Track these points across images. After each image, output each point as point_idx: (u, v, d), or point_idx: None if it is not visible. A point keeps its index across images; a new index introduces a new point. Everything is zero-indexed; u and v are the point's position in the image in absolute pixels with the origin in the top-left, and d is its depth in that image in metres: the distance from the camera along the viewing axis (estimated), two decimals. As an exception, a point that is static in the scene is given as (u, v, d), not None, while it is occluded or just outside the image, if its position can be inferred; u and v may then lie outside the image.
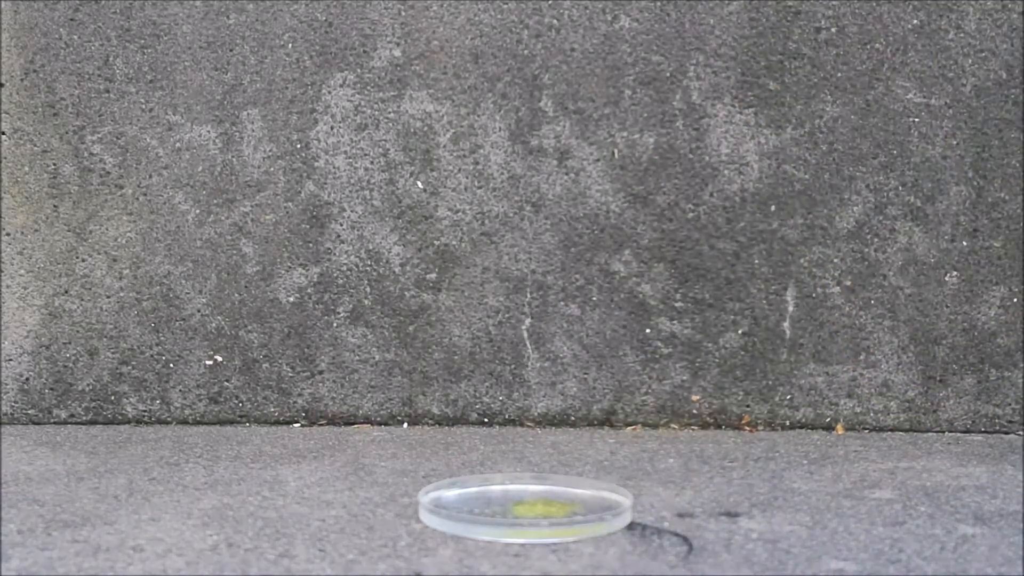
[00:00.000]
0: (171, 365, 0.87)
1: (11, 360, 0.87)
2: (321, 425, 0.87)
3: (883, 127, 0.83)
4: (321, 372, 0.86)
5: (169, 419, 0.87)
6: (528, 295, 0.85)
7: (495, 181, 0.85)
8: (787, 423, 0.85)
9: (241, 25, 0.85)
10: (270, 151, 0.86)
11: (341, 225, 0.86)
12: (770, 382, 0.85)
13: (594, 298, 0.85)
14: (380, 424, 0.87)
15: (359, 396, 0.86)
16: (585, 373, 0.85)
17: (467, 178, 0.85)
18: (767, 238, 0.84)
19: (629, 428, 0.85)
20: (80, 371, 0.87)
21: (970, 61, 0.83)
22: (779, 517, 0.56)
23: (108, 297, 0.87)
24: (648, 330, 0.85)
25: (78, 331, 0.87)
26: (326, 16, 0.85)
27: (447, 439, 0.80)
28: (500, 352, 0.86)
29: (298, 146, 0.86)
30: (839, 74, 0.84)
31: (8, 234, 0.86)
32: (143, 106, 0.86)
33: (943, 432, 0.84)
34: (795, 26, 0.84)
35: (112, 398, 0.87)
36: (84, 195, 0.86)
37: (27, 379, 0.87)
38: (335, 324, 0.86)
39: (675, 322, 0.85)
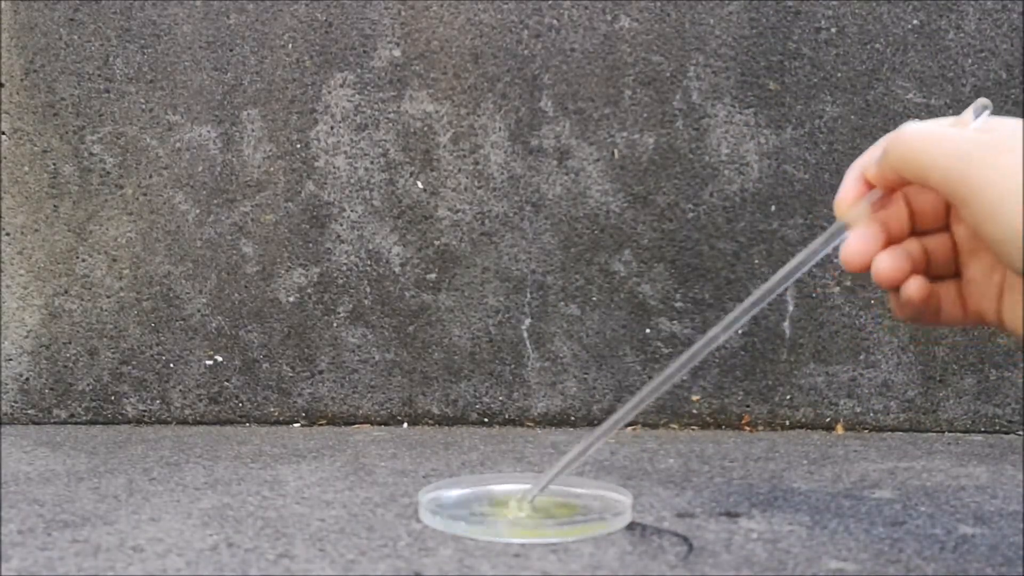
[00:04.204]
0: (171, 365, 0.87)
1: (11, 360, 0.87)
2: (321, 425, 0.87)
3: (883, 127, 0.83)
4: (321, 372, 0.86)
5: (169, 419, 0.87)
6: (528, 295, 0.85)
7: (495, 181, 0.85)
8: (787, 423, 0.85)
9: (241, 25, 0.85)
10: (270, 151, 0.86)
11: (341, 225, 0.86)
12: (770, 382, 0.85)
13: (594, 298, 0.85)
14: (380, 424, 0.87)
15: (359, 396, 0.86)
16: (585, 373, 0.86)
17: (467, 178, 0.85)
18: (767, 238, 0.84)
19: (629, 428, 0.85)
20: (80, 371, 0.87)
21: (970, 61, 0.83)
22: (779, 517, 0.56)
23: (108, 297, 0.87)
24: (648, 330, 0.85)
25: (78, 331, 0.87)
26: (326, 16, 0.85)
27: (447, 439, 0.80)
28: (500, 352, 0.86)
29: (298, 146, 0.86)
30: (839, 74, 0.84)
31: (8, 234, 0.86)
32: (143, 106, 0.86)
33: (943, 432, 0.84)
34: (795, 26, 0.84)
35: (112, 398, 0.87)
36: (84, 195, 0.86)
37: (27, 379, 0.87)
38: (335, 324, 0.86)
39: (675, 322, 0.85)
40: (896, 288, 0.47)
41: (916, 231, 0.48)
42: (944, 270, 0.48)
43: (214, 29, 0.85)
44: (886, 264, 0.46)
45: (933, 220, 0.48)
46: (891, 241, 0.47)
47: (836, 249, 0.49)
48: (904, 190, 0.47)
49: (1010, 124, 0.42)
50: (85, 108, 0.86)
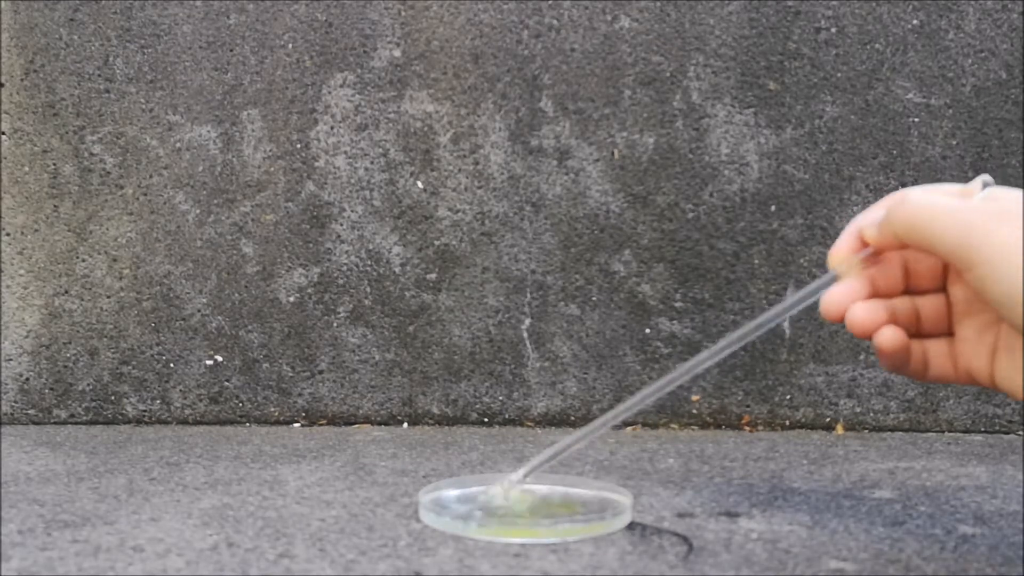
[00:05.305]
0: (171, 365, 0.87)
1: (11, 360, 0.87)
2: (321, 425, 0.87)
3: (883, 127, 0.83)
4: (321, 372, 0.86)
5: (169, 419, 0.87)
6: (528, 295, 0.85)
7: (495, 181, 0.85)
8: (787, 423, 0.85)
9: (241, 25, 0.85)
10: (270, 151, 0.86)
11: (341, 225, 0.86)
12: (770, 382, 0.85)
13: (594, 298, 0.85)
14: (380, 424, 0.87)
15: (359, 396, 0.86)
16: (585, 373, 0.86)
17: (467, 178, 0.85)
18: (767, 238, 0.84)
19: (629, 428, 0.85)
20: (80, 371, 0.87)
21: (970, 61, 0.83)
22: (779, 517, 0.56)
23: (108, 297, 0.87)
24: (648, 330, 0.85)
25: (78, 331, 0.87)
26: (326, 16, 0.85)
27: (447, 439, 0.80)
28: (500, 352, 0.86)
29: (298, 146, 0.86)
30: (839, 74, 0.84)
31: (8, 234, 0.86)
32: (143, 106, 0.86)
33: (943, 432, 0.84)
34: (795, 26, 0.84)
35: (112, 398, 0.87)
36: (84, 195, 0.86)
37: (27, 379, 0.87)
38: (335, 324, 0.86)
39: (675, 322, 0.85)
40: (868, 338, 0.49)
41: (911, 290, 0.51)
42: (936, 329, 0.50)
43: (214, 29, 0.85)
44: (860, 314, 0.49)
45: (929, 281, 0.50)
46: (877, 296, 0.50)
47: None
48: (903, 252, 0.50)
49: (1012, 195, 0.45)
50: (85, 108, 0.86)
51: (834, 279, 0.50)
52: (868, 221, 0.49)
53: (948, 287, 0.50)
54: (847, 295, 0.49)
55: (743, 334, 0.52)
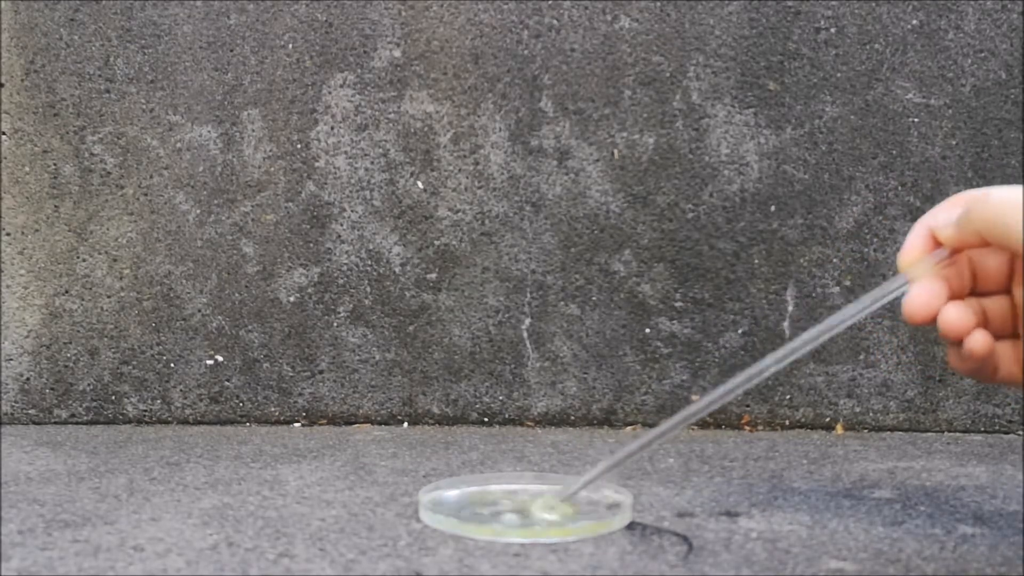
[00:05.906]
0: (171, 365, 0.87)
1: (11, 360, 0.87)
2: (321, 425, 0.87)
3: (883, 127, 0.83)
4: (321, 372, 0.86)
5: (169, 419, 0.87)
6: (528, 295, 0.86)
7: (495, 181, 0.85)
8: (787, 423, 0.85)
9: (241, 25, 0.85)
10: (270, 151, 0.86)
11: (341, 225, 0.86)
12: (770, 382, 0.85)
13: (594, 298, 0.85)
14: (380, 424, 0.87)
15: (359, 396, 0.86)
16: (585, 373, 0.86)
17: (467, 178, 0.85)
18: (767, 238, 0.84)
19: (629, 428, 0.85)
20: (80, 371, 0.87)
21: (970, 61, 0.83)
22: (779, 517, 0.56)
23: (108, 297, 0.87)
24: (648, 330, 0.85)
25: (78, 331, 0.87)
26: (326, 16, 0.85)
27: (447, 439, 0.80)
28: (500, 352, 0.86)
29: (298, 146, 0.86)
30: (839, 74, 0.84)
31: (8, 234, 0.86)
32: (143, 106, 0.86)
33: (943, 432, 0.84)
34: (795, 26, 0.84)
35: (112, 398, 0.87)
36: (84, 195, 0.86)
37: (27, 379, 0.87)
38: (335, 324, 0.86)
39: (675, 322, 0.85)
40: (959, 341, 0.48)
41: (975, 292, 0.50)
42: (1000, 331, 0.49)
43: (214, 29, 0.85)
44: (954, 315, 0.48)
45: (995, 282, 0.50)
46: (952, 298, 0.49)
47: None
48: (969, 251, 0.49)
49: None
50: (86, 108, 0.86)
51: (905, 282, 0.49)
52: (941, 222, 0.48)
53: (1012, 288, 0.50)
54: (933, 298, 0.48)
55: (808, 340, 0.52)
